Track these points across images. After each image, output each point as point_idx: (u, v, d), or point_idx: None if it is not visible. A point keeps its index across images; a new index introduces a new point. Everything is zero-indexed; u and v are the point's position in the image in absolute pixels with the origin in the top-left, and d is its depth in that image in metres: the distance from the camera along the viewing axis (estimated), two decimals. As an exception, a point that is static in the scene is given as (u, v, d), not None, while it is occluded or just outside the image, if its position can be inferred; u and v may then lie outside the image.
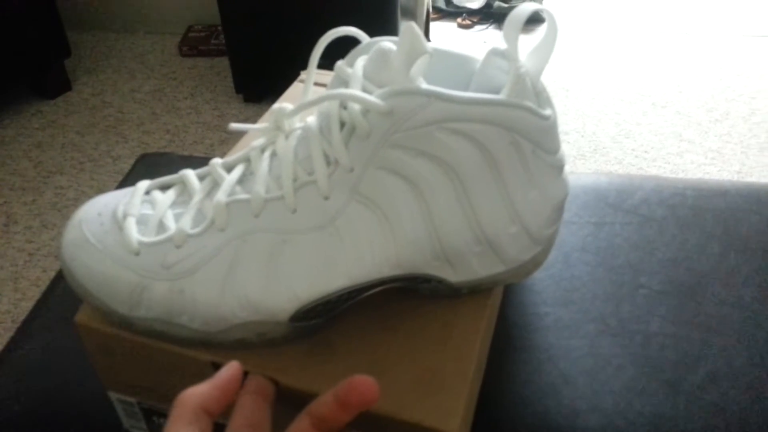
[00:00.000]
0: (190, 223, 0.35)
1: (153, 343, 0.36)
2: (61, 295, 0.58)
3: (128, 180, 0.71)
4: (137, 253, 0.34)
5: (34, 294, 1.22)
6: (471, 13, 2.12)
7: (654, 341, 0.51)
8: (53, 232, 1.35)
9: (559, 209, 0.37)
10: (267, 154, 0.36)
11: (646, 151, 1.53)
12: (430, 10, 1.97)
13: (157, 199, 0.36)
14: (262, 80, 1.66)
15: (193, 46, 1.90)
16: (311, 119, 0.36)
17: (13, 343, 0.54)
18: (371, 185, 0.34)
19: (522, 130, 0.33)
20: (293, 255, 0.34)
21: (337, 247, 0.34)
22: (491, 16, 2.12)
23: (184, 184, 0.37)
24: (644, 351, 0.50)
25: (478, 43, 1.99)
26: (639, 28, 2.05)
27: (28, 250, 1.31)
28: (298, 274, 0.34)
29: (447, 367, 0.36)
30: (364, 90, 0.33)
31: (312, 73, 0.39)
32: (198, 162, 0.74)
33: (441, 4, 2.13)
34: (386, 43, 0.34)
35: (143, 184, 0.37)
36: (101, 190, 1.41)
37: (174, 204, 0.36)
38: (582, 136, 1.57)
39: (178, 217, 0.35)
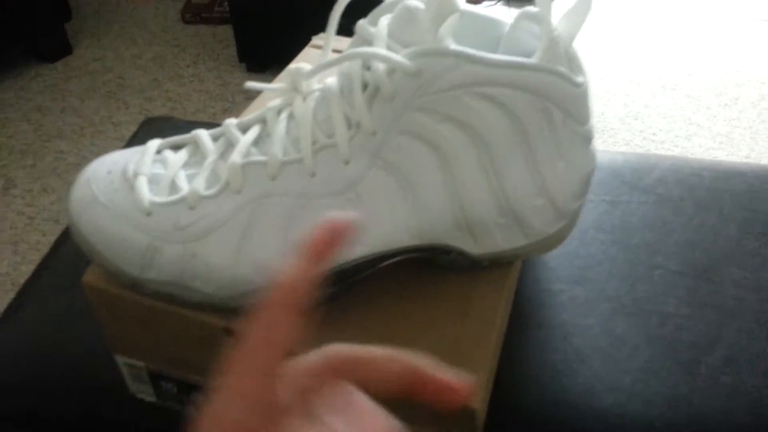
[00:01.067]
0: (204, 185, 0.33)
1: (164, 307, 0.35)
2: (64, 258, 0.57)
3: (133, 143, 0.69)
4: (149, 213, 0.33)
5: (34, 257, 1.21)
6: (480, -12, 2.08)
7: (670, 322, 0.50)
8: (53, 196, 1.34)
9: (587, 182, 0.36)
10: (284, 115, 0.35)
11: (654, 134, 1.51)
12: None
13: (168, 159, 0.35)
14: (266, 49, 1.63)
15: (195, 12, 1.87)
16: (331, 80, 0.34)
17: (15, 304, 0.53)
18: (394, 150, 0.32)
19: (554, 96, 0.32)
20: (310, 220, 0.33)
21: (356, 213, 0.33)
22: (500, -9, 2.08)
23: (196, 145, 0.36)
24: (660, 332, 0.50)
25: (486, 18, 1.96)
26: (650, 9, 2.01)
27: (27, 214, 1.30)
28: (314, 240, 0.33)
29: (467, 340, 0.35)
30: (389, 50, 0.32)
31: (332, 32, 0.37)
32: (203, 127, 0.72)
33: (450, -23, 2.09)
34: (413, 0, 0.32)
35: (154, 143, 0.36)
36: (101, 155, 1.39)
37: (186, 164, 0.35)
38: (589, 116, 1.56)
39: (190, 178, 0.34)
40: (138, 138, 0.71)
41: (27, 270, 1.18)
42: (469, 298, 0.37)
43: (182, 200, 0.33)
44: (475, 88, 0.31)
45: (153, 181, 0.34)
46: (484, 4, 2.08)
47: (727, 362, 0.47)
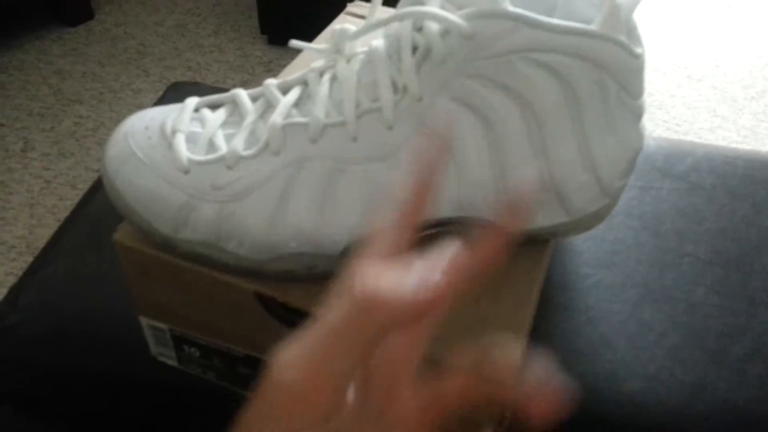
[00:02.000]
0: (243, 144, 0.33)
1: (195, 268, 0.34)
2: (88, 218, 0.56)
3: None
4: (187, 171, 0.32)
5: (50, 222, 1.21)
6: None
7: (698, 311, 0.49)
8: (71, 161, 1.33)
9: (634, 160, 0.35)
10: (326, 77, 0.34)
11: (678, 124, 1.49)
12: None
13: (207, 117, 0.34)
14: (289, 22, 1.61)
15: (219, -18, 1.85)
16: (377, 43, 0.33)
17: (38, 263, 0.53)
18: (440, 117, 0.31)
19: (611, 67, 0.30)
20: (350, 185, 0.32)
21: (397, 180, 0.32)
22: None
23: (235, 104, 0.35)
24: (688, 320, 0.49)
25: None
26: (679, -3, 1.98)
27: (45, 177, 1.30)
28: (353, 206, 0.32)
29: (501, 318, 0.34)
30: (443, 9, 0.31)
31: (379, -6, 0.36)
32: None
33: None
34: (469, -38, 0.31)
35: (192, 101, 0.35)
36: (121, 122, 1.38)
37: (225, 124, 0.34)
38: (613, 104, 1.53)
39: (229, 138, 0.33)
40: (164, 102, 0.70)
41: (43, 233, 1.18)
42: (503, 274, 0.36)
43: (221, 159, 0.32)
44: (531, 54, 0.30)
45: (191, 139, 0.33)
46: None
47: (754, 352, 0.46)
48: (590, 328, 0.48)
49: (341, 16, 0.57)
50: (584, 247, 0.54)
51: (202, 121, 0.34)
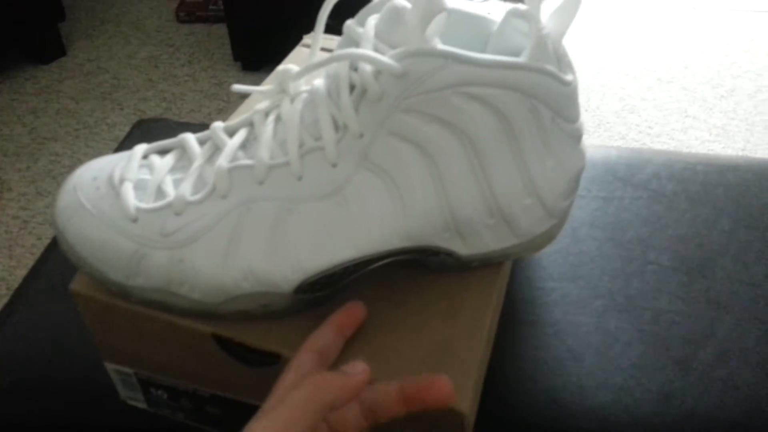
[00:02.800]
0: (191, 189, 0.33)
1: (152, 313, 0.35)
2: (56, 262, 0.56)
3: (125, 146, 0.69)
4: (135, 220, 0.33)
5: (29, 261, 1.20)
6: (475, -18, 2.07)
7: (663, 318, 0.50)
8: (48, 199, 1.33)
9: (576, 181, 0.36)
10: (271, 118, 0.34)
11: (650, 127, 1.51)
12: (434, -22, 1.93)
13: (155, 164, 0.34)
14: (261, 48, 1.62)
15: (190, 11, 1.86)
16: (318, 82, 0.34)
17: (8, 310, 0.53)
18: (382, 152, 0.32)
19: (542, 96, 0.31)
20: (298, 224, 0.33)
21: (344, 216, 0.33)
22: (495, -14, 2.07)
23: (183, 149, 0.35)
24: (653, 328, 0.49)
25: (481, 13, 1.95)
26: (645, 1, 2.01)
27: (22, 218, 1.29)
28: (303, 244, 0.33)
29: (456, 343, 0.35)
30: (376, 50, 0.31)
31: (319, 33, 0.37)
32: (196, 129, 0.71)
33: (444, -27, 2.08)
34: (400, 0, 0.32)
35: (140, 148, 0.35)
36: (97, 157, 1.38)
37: (173, 169, 0.34)
38: (586, 110, 1.55)
39: (177, 183, 0.34)
40: (130, 140, 0.70)
41: (22, 274, 1.18)
42: (458, 300, 0.37)
43: (168, 206, 0.33)
44: (463, 88, 0.30)
45: (139, 186, 0.34)
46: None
47: (720, 357, 0.47)
48: (557, 342, 0.49)
49: (297, 48, 0.58)
50: (549, 261, 0.55)
51: (150, 168, 0.34)
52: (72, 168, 1.40)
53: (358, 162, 0.32)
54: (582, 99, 1.59)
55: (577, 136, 0.34)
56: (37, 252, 1.22)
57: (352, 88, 0.32)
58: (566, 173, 0.34)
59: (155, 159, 0.35)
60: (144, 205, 0.33)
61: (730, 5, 1.98)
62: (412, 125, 0.31)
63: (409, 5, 0.31)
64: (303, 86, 0.35)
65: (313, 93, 0.34)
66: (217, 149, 0.34)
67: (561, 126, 0.33)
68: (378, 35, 0.32)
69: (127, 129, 1.48)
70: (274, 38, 1.57)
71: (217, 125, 0.35)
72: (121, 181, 0.34)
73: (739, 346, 0.48)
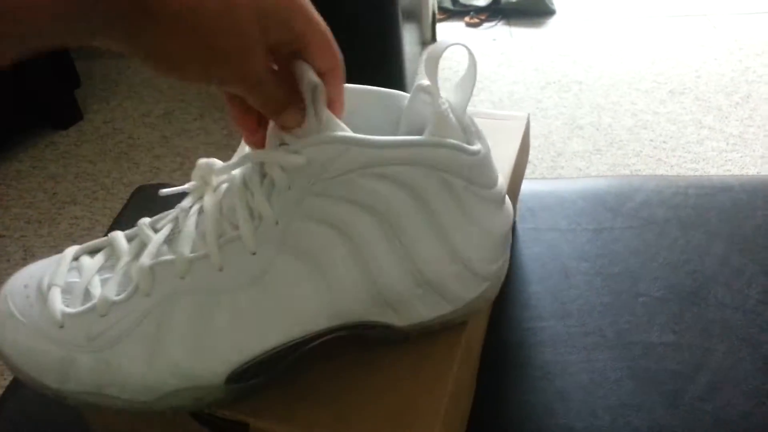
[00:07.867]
0: (116, 289, 0.33)
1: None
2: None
3: (123, 215, 0.70)
4: (62, 326, 0.33)
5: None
6: (478, 10, 2.08)
7: (653, 352, 0.48)
8: (68, 263, 1.36)
9: (504, 243, 0.35)
10: (195, 209, 0.34)
11: (664, 141, 1.47)
12: (436, 11, 1.94)
13: (84, 265, 0.35)
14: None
15: (200, 66, 1.91)
16: (236, 172, 0.34)
17: (9, 392, 0.54)
18: (299, 237, 0.32)
19: (450, 167, 0.31)
20: (222, 315, 0.32)
21: (267, 303, 0.32)
22: (499, 12, 2.07)
23: (112, 247, 0.35)
24: (643, 363, 0.48)
25: (487, 41, 1.95)
26: (653, 12, 1.98)
27: (43, 284, 1.33)
28: (227, 334, 0.32)
29: (418, 401, 0.34)
30: (283, 141, 0.31)
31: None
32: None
33: (447, 3, 2.10)
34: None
35: (71, 251, 0.36)
36: (114, 218, 1.42)
37: (102, 269, 0.35)
38: (597, 129, 1.52)
39: (104, 283, 0.34)
40: (129, 208, 0.71)
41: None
42: (422, 358, 0.36)
43: (93, 309, 0.33)
44: (369, 169, 0.30)
45: (67, 290, 0.34)
46: (485, 25, 2.08)
47: (710, 389, 0.45)
48: (545, 383, 0.47)
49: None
50: (537, 299, 0.53)
51: (80, 270, 0.35)
52: (91, 230, 1.43)
53: (278, 248, 0.32)
54: (593, 118, 1.56)
55: (497, 200, 0.33)
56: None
57: (263, 177, 0.32)
58: (490, 237, 0.34)
59: (85, 260, 0.35)
60: (70, 310, 0.33)
61: (741, 9, 1.93)
62: (325, 208, 0.31)
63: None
64: (225, 176, 0.35)
65: (231, 183, 0.34)
66: (143, 246, 0.35)
67: (477, 193, 0.32)
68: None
69: (141, 187, 1.51)
70: (279, 86, 1.59)
71: (143, 221, 0.35)
72: (49, 286, 0.34)
73: (731, 375, 0.46)
